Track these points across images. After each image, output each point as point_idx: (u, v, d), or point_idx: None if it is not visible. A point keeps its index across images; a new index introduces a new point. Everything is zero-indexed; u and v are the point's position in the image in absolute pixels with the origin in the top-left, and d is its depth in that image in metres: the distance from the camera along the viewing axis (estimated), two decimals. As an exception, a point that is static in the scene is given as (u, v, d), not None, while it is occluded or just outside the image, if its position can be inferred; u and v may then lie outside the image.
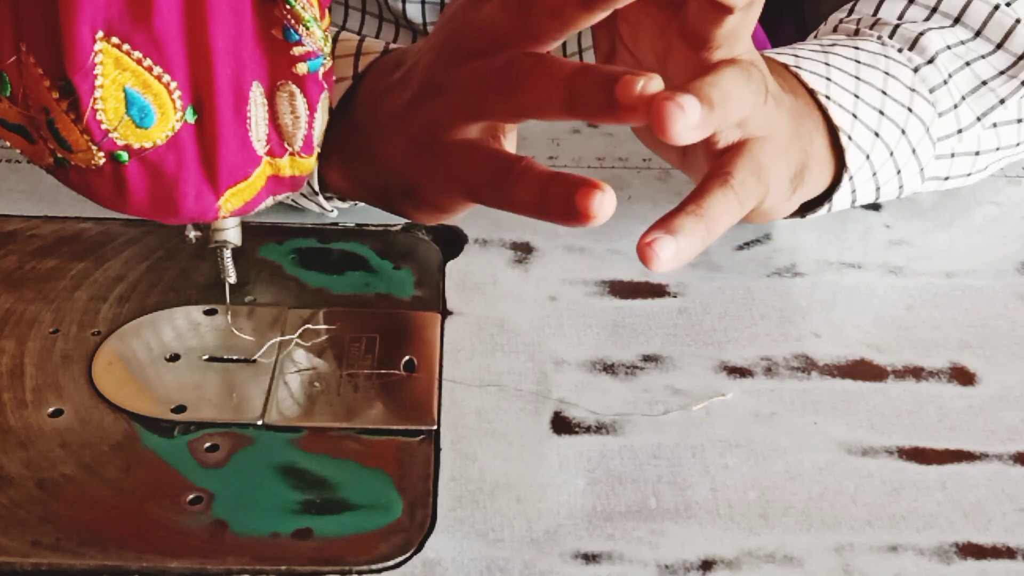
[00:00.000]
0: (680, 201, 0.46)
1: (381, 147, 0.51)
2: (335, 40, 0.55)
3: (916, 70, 0.60)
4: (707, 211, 0.45)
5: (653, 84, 0.40)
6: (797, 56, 0.58)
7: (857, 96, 0.57)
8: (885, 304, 0.59)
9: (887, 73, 0.59)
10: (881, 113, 0.58)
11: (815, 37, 0.65)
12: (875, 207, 0.66)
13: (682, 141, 0.41)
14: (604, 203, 0.41)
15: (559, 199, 0.42)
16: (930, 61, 0.60)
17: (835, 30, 0.65)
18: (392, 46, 0.55)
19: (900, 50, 0.61)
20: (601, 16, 0.42)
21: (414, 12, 0.76)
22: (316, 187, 0.56)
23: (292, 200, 0.58)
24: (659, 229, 0.44)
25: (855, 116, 0.57)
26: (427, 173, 0.49)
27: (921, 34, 0.61)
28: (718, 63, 0.46)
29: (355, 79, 0.53)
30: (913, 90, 0.59)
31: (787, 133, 0.51)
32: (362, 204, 0.59)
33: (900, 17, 0.63)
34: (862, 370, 0.55)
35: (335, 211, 0.59)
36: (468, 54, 0.47)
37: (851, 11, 0.65)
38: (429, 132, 0.48)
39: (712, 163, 0.48)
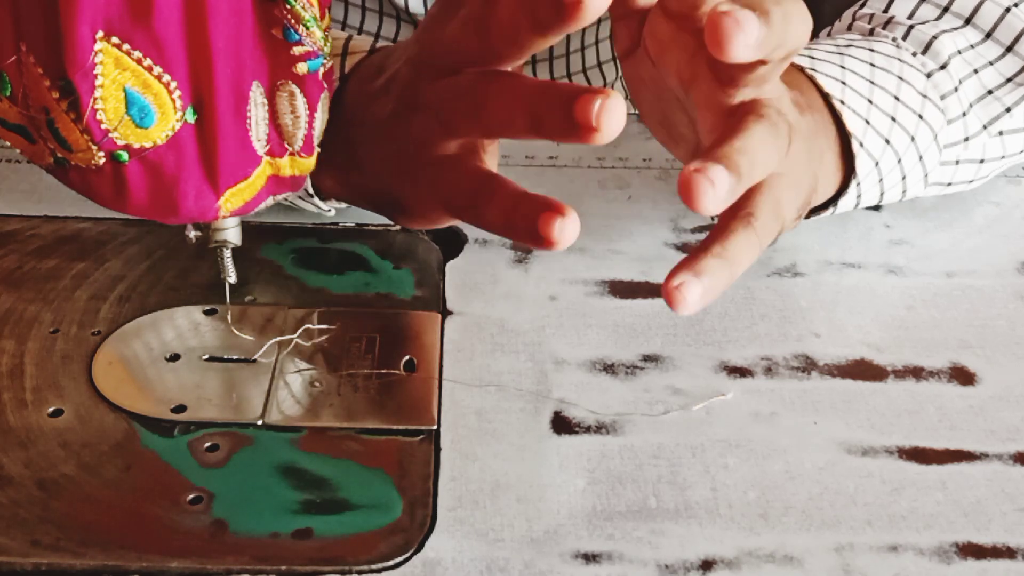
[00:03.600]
0: (703, 240, 0.45)
1: (368, 159, 0.51)
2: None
3: (929, 76, 0.60)
4: (731, 252, 0.44)
5: (611, 102, 0.39)
6: (813, 58, 0.58)
7: (871, 101, 0.57)
8: (885, 304, 0.59)
9: (901, 78, 0.59)
10: (893, 120, 0.57)
11: (829, 35, 0.65)
12: (876, 207, 0.66)
13: (712, 213, 0.41)
14: (565, 229, 0.41)
15: (524, 223, 0.42)
16: (943, 67, 0.60)
17: (849, 28, 0.65)
18: (379, 45, 0.55)
19: (914, 54, 0.60)
20: (555, 39, 0.42)
21: (416, 5, 0.76)
22: (311, 190, 0.56)
23: (289, 201, 0.58)
24: (686, 272, 0.43)
25: (868, 122, 0.57)
26: (410, 187, 0.49)
27: (935, 38, 0.61)
28: (746, 119, 0.45)
29: (341, 80, 0.53)
30: (925, 96, 0.59)
31: (801, 164, 0.50)
32: (359, 203, 0.59)
33: (911, 16, 0.63)
34: (862, 370, 0.55)
35: (332, 211, 0.59)
36: (439, 71, 0.47)
37: (863, 5, 0.65)
38: (409, 147, 0.48)
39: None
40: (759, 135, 0.44)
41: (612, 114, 0.39)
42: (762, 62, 0.43)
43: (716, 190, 0.41)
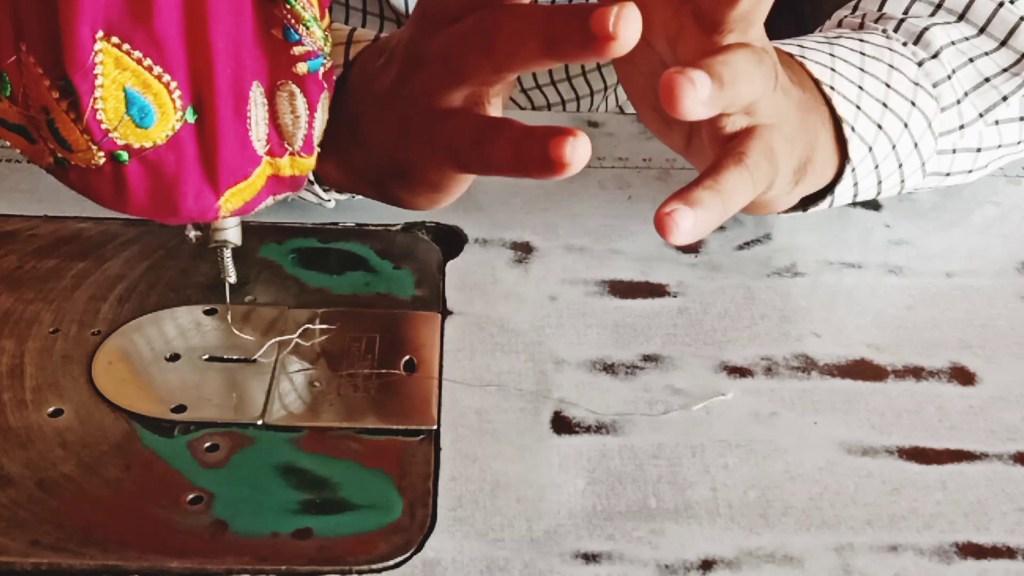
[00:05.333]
0: (696, 177, 0.45)
1: (371, 131, 0.51)
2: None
3: (920, 64, 0.60)
4: (723, 186, 0.45)
5: (627, 11, 0.39)
6: (802, 47, 0.58)
7: (861, 88, 0.57)
8: (885, 304, 0.59)
9: (891, 66, 0.59)
10: (884, 106, 0.58)
11: (820, 32, 0.65)
12: (875, 207, 0.66)
13: (691, 116, 0.41)
14: (577, 148, 0.41)
15: (534, 152, 0.42)
16: (934, 56, 0.60)
17: (839, 25, 0.65)
18: (383, 35, 0.55)
19: (905, 44, 0.61)
20: None
21: None
22: (311, 177, 0.56)
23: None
24: (677, 200, 0.43)
25: (859, 107, 0.57)
26: (415, 147, 0.49)
27: (926, 29, 0.61)
28: (731, 45, 0.45)
29: (345, 67, 0.54)
30: (917, 84, 0.59)
31: (794, 124, 0.51)
32: (360, 200, 0.59)
33: (905, 12, 0.63)
34: (862, 370, 0.55)
35: (333, 201, 0.59)
36: (442, 22, 0.47)
37: (855, 8, 0.65)
38: (415, 106, 0.48)
39: (718, 150, 0.48)
40: (743, 56, 0.45)
41: (629, 21, 0.39)
42: None
43: (697, 91, 0.41)
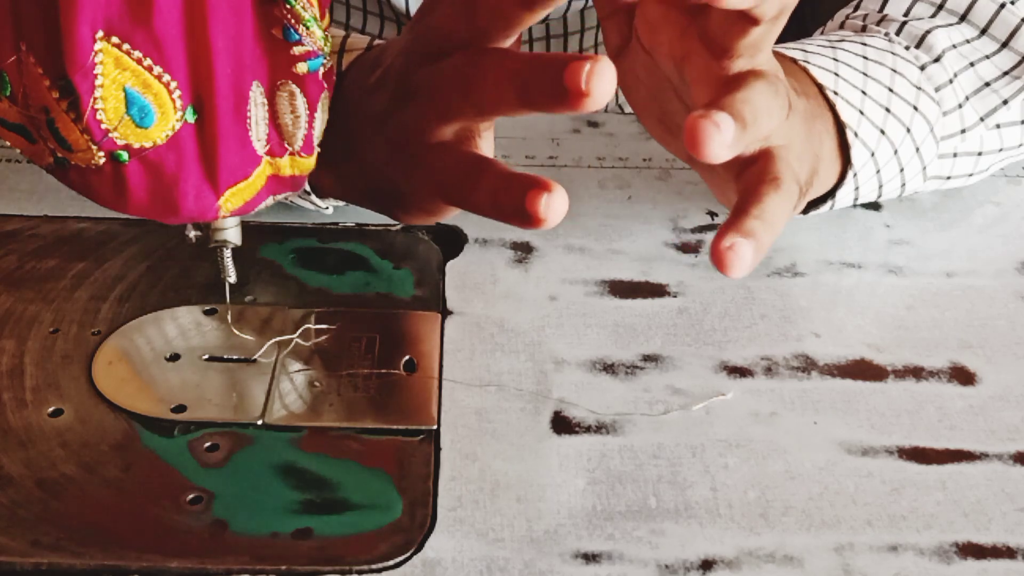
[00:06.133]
0: (736, 207, 0.45)
1: (364, 150, 0.51)
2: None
3: (923, 68, 0.60)
4: (767, 214, 0.45)
5: (599, 67, 0.39)
6: (806, 51, 0.58)
7: (864, 93, 0.57)
8: (885, 304, 0.59)
9: (894, 70, 0.59)
10: (887, 111, 0.58)
11: (822, 34, 0.65)
12: (875, 207, 0.66)
13: (717, 160, 0.41)
14: (552, 205, 0.41)
15: (510, 202, 0.42)
16: (936, 60, 0.60)
17: (841, 26, 0.65)
18: (376, 42, 0.55)
19: (907, 47, 0.61)
20: (543, 13, 0.42)
21: (416, 8, 0.76)
22: (308, 188, 0.56)
23: (289, 200, 0.58)
24: (734, 233, 0.43)
25: (862, 113, 0.57)
26: (406, 176, 0.49)
27: (928, 32, 0.61)
28: (746, 77, 0.45)
29: (338, 76, 0.54)
30: (919, 88, 0.59)
31: (802, 139, 0.51)
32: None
33: (906, 14, 0.63)
34: (862, 370, 0.55)
35: (330, 208, 0.59)
36: (429, 56, 0.47)
37: (856, 7, 0.65)
38: (405, 137, 0.48)
39: (731, 168, 0.48)
40: (760, 89, 0.44)
41: (602, 78, 0.39)
42: (755, 22, 0.43)
43: (722, 135, 0.41)
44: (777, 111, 0.46)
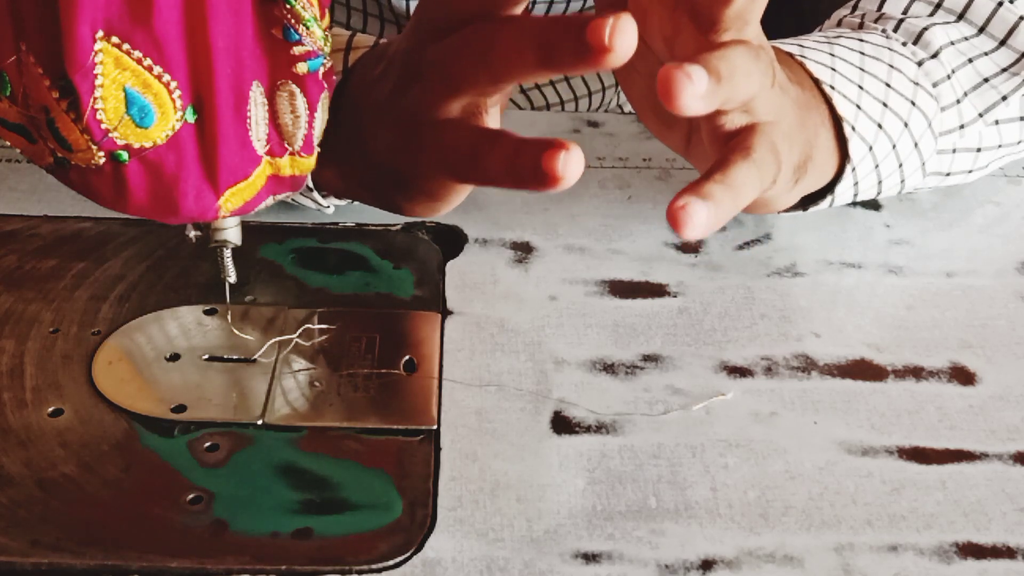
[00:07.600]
0: (704, 172, 0.45)
1: (369, 139, 0.51)
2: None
3: (920, 64, 0.60)
4: (733, 180, 0.44)
5: (622, 23, 0.39)
6: (802, 46, 0.58)
7: (861, 87, 0.57)
8: (885, 304, 0.59)
9: (891, 66, 0.59)
10: (885, 105, 0.58)
11: (819, 32, 0.65)
12: (875, 207, 0.66)
13: (689, 111, 0.41)
14: (570, 162, 0.41)
15: (527, 164, 0.41)
16: (934, 56, 0.60)
17: (839, 25, 0.65)
18: (382, 41, 0.55)
19: (904, 44, 0.61)
20: None
21: None
22: (310, 184, 0.56)
23: (290, 198, 0.58)
24: (689, 194, 0.43)
25: (859, 107, 0.57)
26: (413, 158, 0.49)
27: (926, 29, 0.61)
28: (728, 43, 0.45)
29: (344, 74, 0.54)
30: (916, 84, 0.59)
31: (792, 121, 0.51)
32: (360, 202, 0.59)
33: (904, 12, 0.63)
34: (862, 370, 0.55)
35: (331, 207, 0.59)
36: (438, 32, 0.46)
37: (855, 7, 0.65)
38: (412, 117, 0.48)
39: (719, 148, 0.48)
40: (739, 52, 0.45)
41: (624, 33, 0.39)
42: None
43: (695, 86, 0.40)
44: (757, 75, 0.46)
